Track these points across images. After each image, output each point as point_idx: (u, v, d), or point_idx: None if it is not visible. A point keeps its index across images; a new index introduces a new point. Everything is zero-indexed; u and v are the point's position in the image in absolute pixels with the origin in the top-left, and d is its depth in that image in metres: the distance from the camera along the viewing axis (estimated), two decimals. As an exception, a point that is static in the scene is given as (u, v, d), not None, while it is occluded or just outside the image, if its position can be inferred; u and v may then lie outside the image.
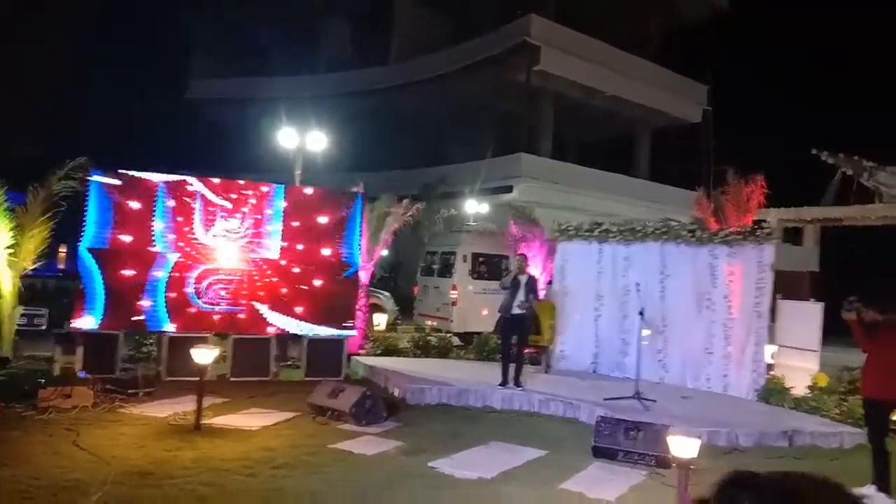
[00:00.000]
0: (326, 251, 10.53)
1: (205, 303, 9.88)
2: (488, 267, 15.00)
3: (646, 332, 10.06)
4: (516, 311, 9.44)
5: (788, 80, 38.99)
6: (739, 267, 10.28)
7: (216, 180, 10.16)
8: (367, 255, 11.69)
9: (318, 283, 10.42)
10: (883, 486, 6.00)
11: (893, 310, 6.55)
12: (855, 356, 6.37)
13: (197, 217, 9.92)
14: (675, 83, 29.23)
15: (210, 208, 9.99)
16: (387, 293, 16.84)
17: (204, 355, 7.09)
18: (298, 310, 10.29)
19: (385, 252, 13.19)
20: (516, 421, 8.21)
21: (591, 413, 8.01)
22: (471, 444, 6.91)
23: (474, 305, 14.44)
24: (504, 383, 9.29)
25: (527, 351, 10.07)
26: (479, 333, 12.93)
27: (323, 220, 10.56)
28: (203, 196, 9.98)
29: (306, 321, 10.33)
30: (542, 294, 11.54)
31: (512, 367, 9.38)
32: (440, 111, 29.07)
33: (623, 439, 6.72)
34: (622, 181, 26.91)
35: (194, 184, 9.99)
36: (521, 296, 9.46)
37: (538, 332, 11.19)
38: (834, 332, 8.76)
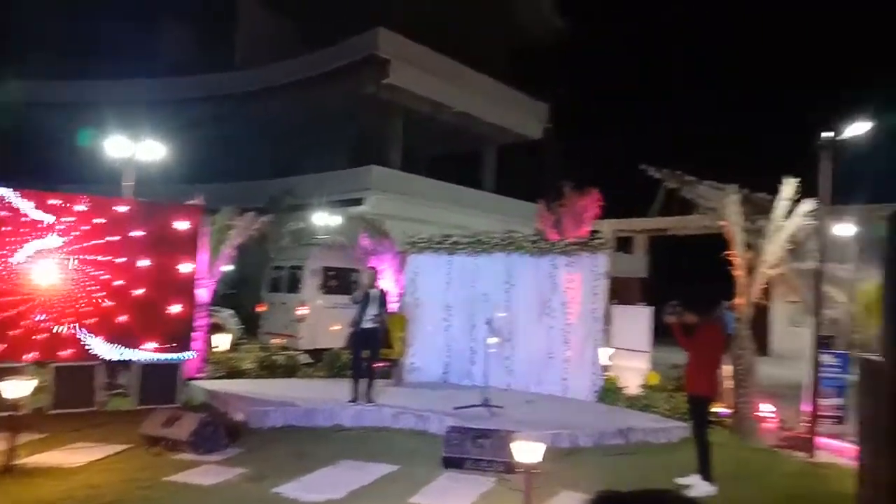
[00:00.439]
0: (160, 268, 9.84)
1: (19, 328, 8.88)
2: (339, 281, 14.75)
3: (493, 341, 10.33)
4: (368, 324, 9.33)
5: (621, 100, 42.09)
6: (577, 275, 10.85)
7: (33, 192, 9.19)
8: (208, 271, 11.09)
9: (150, 302, 9.71)
10: (706, 475, 6.52)
11: (710, 313, 7.17)
12: (682, 355, 6.91)
13: (9, 233, 8.91)
14: (518, 101, 30.53)
15: (25, 223, 9.01)
16: (230, 311, 16.08)
17: (16, 388, 6.34)
18: (128, 332, 9.52)
19: (228, 268, 12.59)
20: (367, 437, 8.08)
21: (441, 423, 8.06)
22: (318, 466, 6.70)
23: (324, 321, 14.13)
24: (354, 400, 9.13)
25: (378, 365, 9.98)
26: (329, 350, 12.66)
27: (156, 234, 9.86)
28: (18, 210, 8.99)
29: (137, 344, 9.58)
30: (393, 307, 11.51)
31: (363, 383, 9.24)
32: (290, 121, 28.39)
33: (471, 448, 6.81)
34: (470, 194, 27.66)
35: (7, 196, 8.97)
36: (372, 309, 9.37)
37: (389, 345, 11.14)
38: (662, 333, 9.49)
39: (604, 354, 10.81)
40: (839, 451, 8.11)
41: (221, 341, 13.53)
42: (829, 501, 6.38)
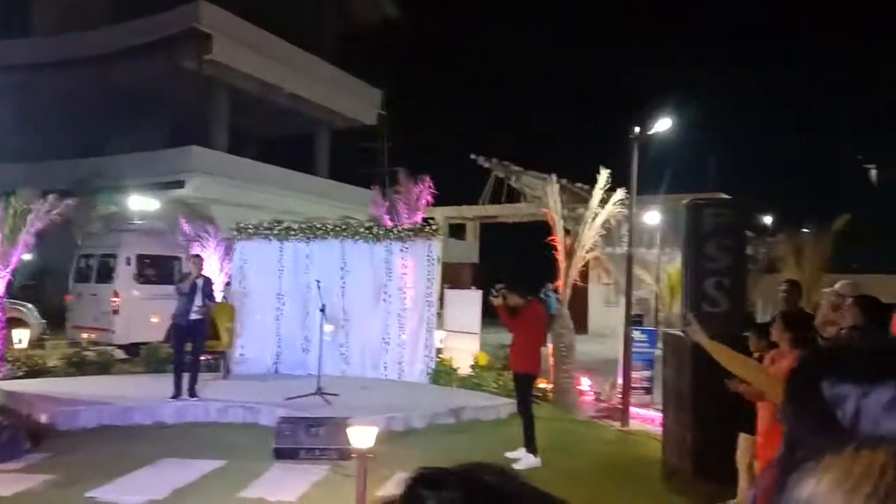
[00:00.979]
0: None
1: None
2: (157, 270, 13.73)
3: (328, 329, 10.17)
4: (193, 316, 8.79)
5: (454, 89, 43.16)
6: (412, 261, 10.97)
7: None
8: (2, 260, 9.86)
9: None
10: (531, 448, 6.88)
11: (532, 294, 7.55)
12: (508, 335, 7.21)
13: None
14: (352, 86, 30.21)
15: None
16: (30, 305, 14.46)
17: None
18: None
19: (27, 256, 11.29)
20: (191, 434, 7.62)
21: (272, 415, 7.79)
22: (137, 466, 6.21)
23: (141, 313, 13.09)
24: (177, 395, 8.57)
25: (203, 357, 9.45)
26: (147, 344, 11.78)
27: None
28: None
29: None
30: (219, 296, 10.94)
31: (186, 377, 8.70)
32: (100, 95, 25.92)
33: (305, 437, 6.65)
34: (303, 179, 26.98)
35: None
36: (197, 300, 8.83)
37: (215, 336, 10.59)
38: (492, 315, 9.90)
39: (437, 337, 11.05)
40: (648, 419, 8.90)
41: (21, 337, 12.12)
42: (639, 465, 6.99)
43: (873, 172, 28.16)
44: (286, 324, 11.29)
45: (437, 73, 38.96)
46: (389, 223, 11.68)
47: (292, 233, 11.41)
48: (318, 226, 11.42)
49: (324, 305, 9.56)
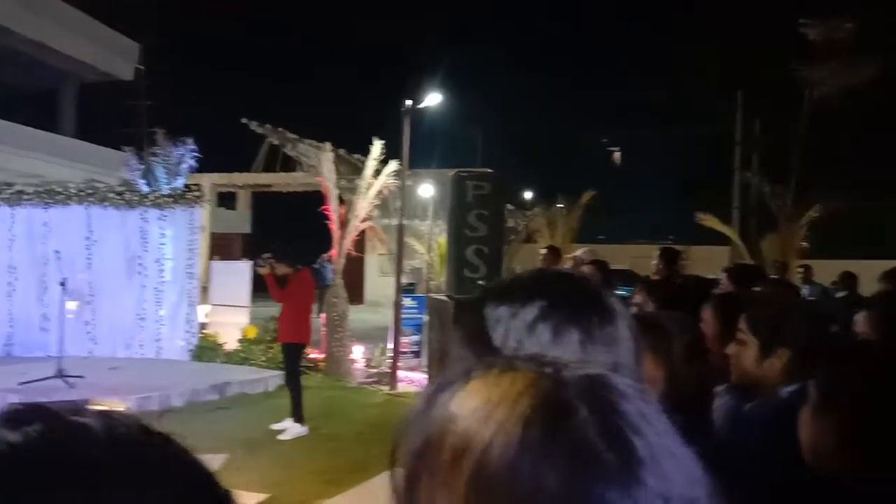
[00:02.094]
0: None
1: None
2: None
3: (71, 305, 9.10)
4: None
5: (226, 48, 40.59)
6: (171, 230, 10.20)
7: None
8: None
9: None
10: (298, 418, 6.78)
11: (302, 264, 7.41)
12: (279, 307, 7.02)
13: None
14: (106, 37, 27.13)
15: None
16: None
17: None
18: None
19: None
20: None
21: (2, 402, 6.79)
22: None
23: None
24: None
25: None
26: None
27: None
28: None
29: None
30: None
31: None
32: None
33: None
34: (44, 138, 23.79)
35: None
36: None
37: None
38: (263, 287, 9.57)
39: (201, 312, 10.42)
40: (416, 381, 9.22)
41: None
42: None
43: (616, 154, 31.73)
44: (19, 301, 9.93)
45: (208, 29, 36.42)
46: (146, 188, 10.72)
47: (26, 197, 10.01)
48: (59, 190, 10.15)
49: (64, 279, 8.52)
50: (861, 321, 2.45)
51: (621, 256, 17.34)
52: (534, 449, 0.44)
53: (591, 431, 0.45)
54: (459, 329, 0.96)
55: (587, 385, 0.48)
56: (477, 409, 0.48)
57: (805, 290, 8.30)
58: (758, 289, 3.46)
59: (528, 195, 26.78)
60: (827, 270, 9.95)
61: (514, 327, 0.86)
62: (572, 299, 0.90)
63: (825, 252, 13.97)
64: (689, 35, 22.03)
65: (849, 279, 7.81)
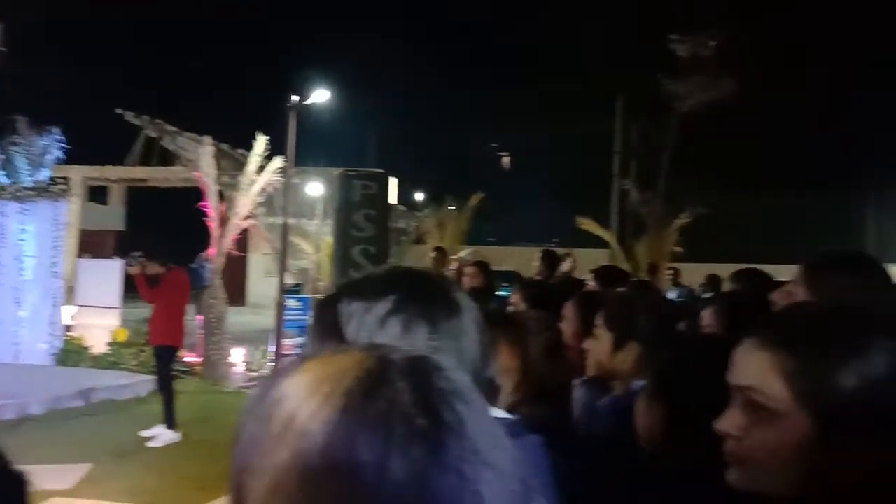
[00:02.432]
0: None
1: None
2: None
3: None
4: None
5: (101, 33, 38.18)
6: (34, 225, 9.49)
7: None
8: None
9: None
10: (171, 424, 6.47)
11: (176, 262, 7.08)
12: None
13: None
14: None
15: None
16: None
17: None
18: None
19: None
20: None
21: None
22: None
23: None
24: None
25: None
26: None
27: None
28: None
29: None
30: None
31: None
32: None
33: None
34: None
35: None
36: None
37: None
38: (135, 287, 9.08)
39: (66, 313, 9.74)
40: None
41: None
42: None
43: (505, 159, 32.52)
44: None
45: (80, 12, 34.14)
46: (4, 180, 9.91)
47: None
48: None
49: None
50: (707, 317, 2.62)
51: (508, 258, 17.77)
52: (350, 415, 0.49)
53: (407, 401, 0.50)
54: (315, 325, 1.00)
55: (409, 364, 0.53)
56: (305, 386, 0.52)
57: (673, 292, 8.85)
58: (621, 289, 3.64)
59: (419, 196, 26.94)
60: (699, 274, 10.62)
61: (366, 322, 0.91)
62: (422, 295, 0.95)
63: (698, 256, 14.89)
64: (576, 43, 22.95)
65: (714, 281, 8.38)
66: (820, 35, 22.26)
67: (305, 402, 0.50)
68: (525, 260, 14.84)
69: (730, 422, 0.99)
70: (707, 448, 1.07)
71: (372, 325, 0.90)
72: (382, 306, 0.91)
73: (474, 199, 17.41)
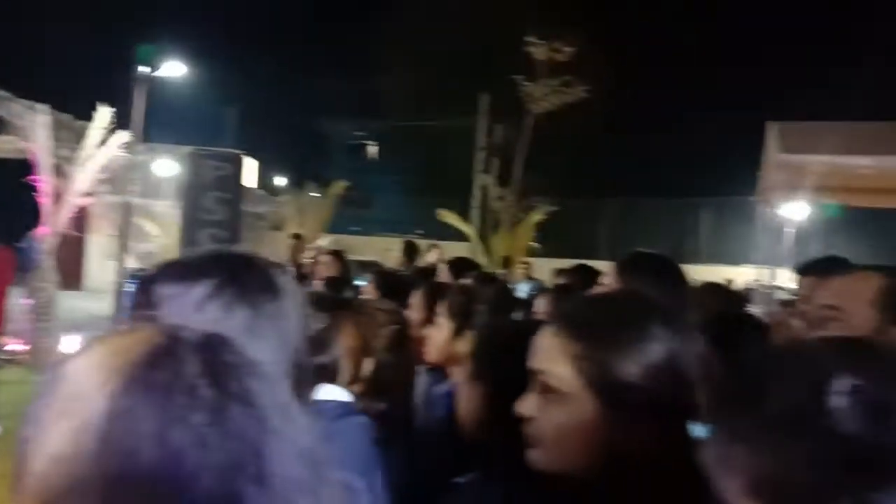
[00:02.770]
0: None
1: None
2: None
3: None
4: None
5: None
6: None
7: None
8: None
9: None
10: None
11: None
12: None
13: None
14: None
15: None
16: None
17: None
18: None
19: None
20: None
21: None
22: None
23: None
24: None
25: None
26: None
27: None
28: None
29: None
30: None
31: None
32: None
33: None
34: None
35: None
36: None
37: None
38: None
39: None
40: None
41: None
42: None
43: (372, 148, 32.33)
44: None
45: None
46: None
47: None
48: None
49: None
50: (541, 305, 2.76)
51: (371, 248, 17.73)
52: (133, 386, 0.50)
53: (192, 372, 0.51)
54: (133, 307, 0.98)
55: (200, 340, 0.55)
56: (93, 361, 0.53)
57: (525, 285, 9.22)
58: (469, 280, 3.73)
59: (281, 181, 26.19)
60: (553, 268, 11.10)
61: (182, 305, 0.89)
62: (242, 278, 0.94)
63: (553, 252, 15.55)
64: (446, 37, 23.19)
65: (579, 274, 8.82)
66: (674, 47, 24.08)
67: (92, 375, 0.52)
68: (387, 250, 14.86)
69: (526, 404, 1.04)
70: (520, 432, 1.12)
71: (188, 308, 0.88)
72: (201, 289, 0.89)
73: (338, 187, 17.18)
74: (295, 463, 0.52)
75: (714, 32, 24.59)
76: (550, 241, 16.22)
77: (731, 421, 0.60)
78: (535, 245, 15.09)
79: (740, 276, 10.97)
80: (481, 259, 13.05)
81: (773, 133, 5.32)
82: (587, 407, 0.97)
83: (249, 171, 15.93)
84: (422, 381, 2.62)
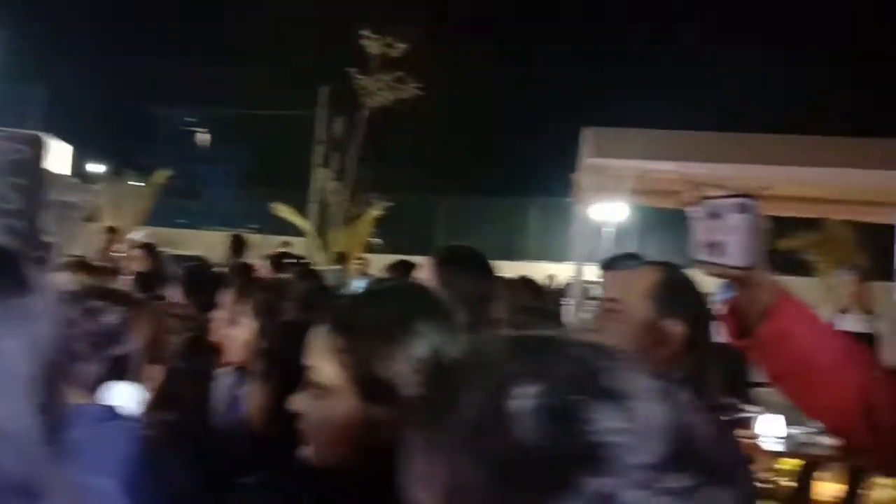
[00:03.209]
0: None
1: None
2: None
3: None
4: None
5: None
6: None
7: None
8: None
9: None
10: None
11: None
12: None
13: None
14: None
15: None
16: None
17: None
18: None
19: None
20: None
21: None
22: None
23: None
24: None
25: None
26: None
27: None
28: None
29: None
30: None
31: None
32: None
33: None
34: None
35: None
36: None
37: None
38: None
39: None
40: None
41: None
42: None
43: (203, 136, 30.72)
44: None
45: None
46: None
47: None
48: None
49: None
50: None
51: (199, 242, 16.79)
52: None
53: None
54: None
55: None
56: None
57: (361, 281, 9.16)
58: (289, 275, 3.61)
59: (100, 169, 24.13)
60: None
61: None
62: None
63: (396, 248, 15.70)
64: (287, 26, 22.53)
65: (395, 269, 8.87)
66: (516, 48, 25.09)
67: None
68: (215, 245, 14.16)
69: (298, 400, 1.06)
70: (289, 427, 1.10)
71: None
72: None
73: (160, 176, 16.12)
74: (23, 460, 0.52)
75: (547, 37, 25.97)
76: (391, 237, 16.31)
77: (426, 429, 0.57)
78: (376, 241, 15.10)
79: (563, 272, 11.65)
80: (318, 255, 12.81)
81: (586, 137, 5.65)
82: (350, 402, 1.00)
83: (60, 157, 14.50)
84: (225, 382, 2.49)
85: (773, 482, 5.76)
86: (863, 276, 5.41)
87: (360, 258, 10.97)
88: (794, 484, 5.39)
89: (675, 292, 1.58)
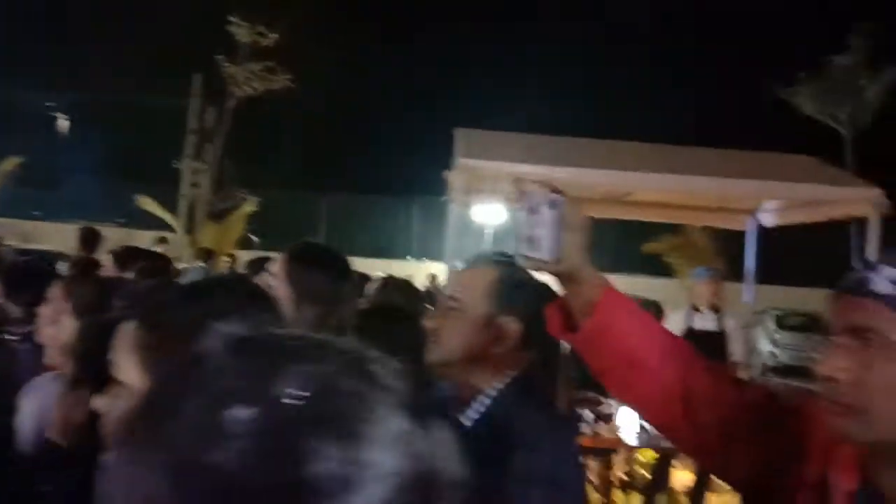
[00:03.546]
0: None
1: None
2: None
3: None
4: None
5: None
6: None
7: None
8: None
9: None
10: None
11: None
12: None
13: None
14: None
15: None
16: None
17: None
18: None
19: None
20: None
21: None
22: None
23: None
24: None
25: None
26: None
27: None
28: None
29: None
30: None
31: None
32: None
33: None
34: None
35: None
36: None
37: None
38: None
39: None
40: None
41: None
42: None
43: (62, 122, 28.49)
44: None
45: None
46: None
47: None
48: None
49: None
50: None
51: (56, 236, 15.57)
52: None
53: None
54: None
55: None
56: None
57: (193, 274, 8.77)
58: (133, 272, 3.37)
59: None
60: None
61: None
62: None
63: (273, 245, 15.22)
64: (157, 5, 21.31)
65: (253, 266, 8.58)
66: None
67: None
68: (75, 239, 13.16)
69: (101, 401, 1.05)
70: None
71: None
72: None
73: (10, 163, 14.79)
74: None
75: (426, 34, 26.08)
76: (271, 234, 15.85)
77: (137, 442, 0.50)
78: (254, 238, 14.58)
79: (444, 272, 11.73)
80: (185, 251, 12.18)
81: (458, 138, 5.71)
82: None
83: None
84: (50, 387, 2.27)
85: (633, 473, 6.05)
86: (718, 277, 5.79)
87: (229, 255, 10.54)
88: (651, 475, 5.68)
89: (512, 289, 1.56)
